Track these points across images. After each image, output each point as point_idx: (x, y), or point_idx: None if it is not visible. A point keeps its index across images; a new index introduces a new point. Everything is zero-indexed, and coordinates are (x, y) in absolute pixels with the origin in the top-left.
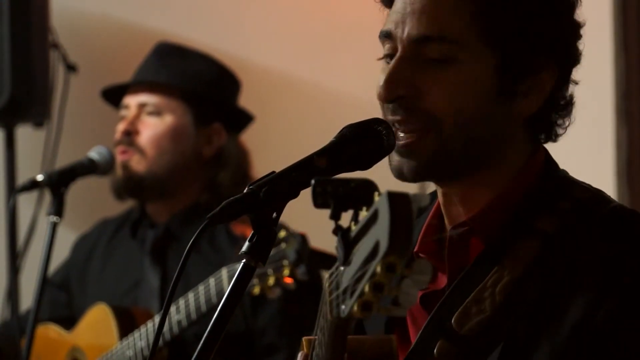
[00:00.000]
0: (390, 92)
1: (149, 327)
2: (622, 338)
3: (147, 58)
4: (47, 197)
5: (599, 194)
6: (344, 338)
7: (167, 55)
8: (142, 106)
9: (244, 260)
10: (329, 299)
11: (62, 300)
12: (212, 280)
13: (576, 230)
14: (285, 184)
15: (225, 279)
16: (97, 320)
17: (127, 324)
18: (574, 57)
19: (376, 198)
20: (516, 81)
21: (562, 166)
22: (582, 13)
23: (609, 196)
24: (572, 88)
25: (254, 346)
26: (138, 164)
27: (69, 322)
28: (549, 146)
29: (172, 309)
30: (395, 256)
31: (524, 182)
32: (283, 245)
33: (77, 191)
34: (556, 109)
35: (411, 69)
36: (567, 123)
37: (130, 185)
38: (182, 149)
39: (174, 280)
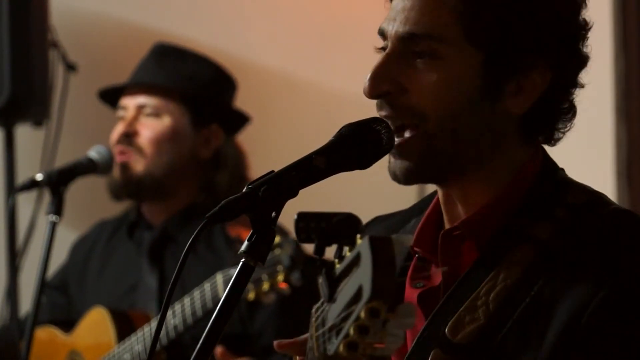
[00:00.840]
0: (375, 88)
1: (146, 331)
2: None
3: (145, 59)
4: (47, 196)
5: (596, 197)
6: None
7: (164, 57)
8: (140, 108)
9: (242, 260)
10: (316, 334)
11: (62, 302)
12: (207, 285)
13: (571, 237)
14: (284, 183)
15: (220, 283)
16: (95, 323)
17: (124, 326)
18: (574, 60)
19: (359, 241)
20: (502, 80)
21: (561, 166)
22: (582, 13)
23: (608, 198)
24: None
25: (251, 348)
26: (137, 165)
27: (68, 324)
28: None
29: (169, 313)
30: (378, 302)
31: (521, 184)
32: (277, 250)
33: (77, 190)
34: (554, 111)
35: (397, 66)
36: (567, 127)
37: (129, 186)
38: (180, 150)
39: (171, 283)
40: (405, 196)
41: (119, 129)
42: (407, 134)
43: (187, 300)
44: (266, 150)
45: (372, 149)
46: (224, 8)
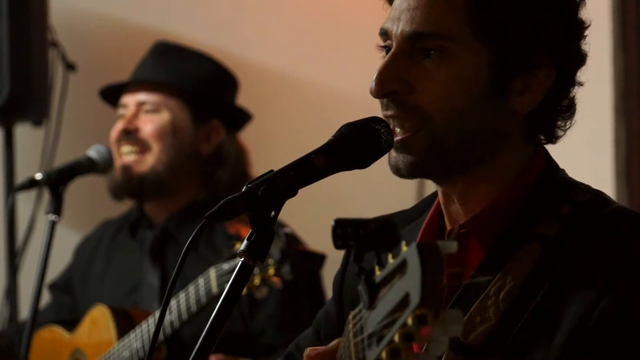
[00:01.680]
0: (382, 87)
1: (144, 328)
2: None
3: (145, 57)
4: (46, 195)
5: (598, 196)
6: None
7: (164, 54)
8: (140, 105)
9: (242, 259)
10: (354, 341)
11: (67, 302)
12: (201, 281)
13: (576, 234)
14: (284, 182)
15: (214, 278)
16: (97, 321)
17: (125, 325)
18: (576, 58)
19: (404, 248)
20: (509, 78)
21: (561, 165)
22: (582, 13)
23: (609, 197)
24: (574, 90)
25: (253, 346)
26: (143, 164)
27: (73, 324)
28: (548, 145)
29: None
30: (426, 309)
31: (523, 184)
32: None
33: (76, 190)
34: (556, 109)
35: (404, 65)
36: (567, 125)
37: (130, 186)
38: (181, 144)
39: (171, 282)
40: (405, 196)
41: (118, 126)
42: (411, 130)
43: (182, 295)
44: (265, 149)
45: (372, 148)
46: (223, 8)
